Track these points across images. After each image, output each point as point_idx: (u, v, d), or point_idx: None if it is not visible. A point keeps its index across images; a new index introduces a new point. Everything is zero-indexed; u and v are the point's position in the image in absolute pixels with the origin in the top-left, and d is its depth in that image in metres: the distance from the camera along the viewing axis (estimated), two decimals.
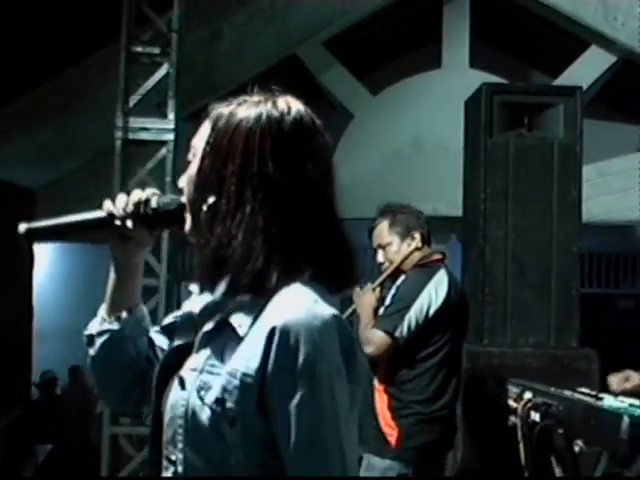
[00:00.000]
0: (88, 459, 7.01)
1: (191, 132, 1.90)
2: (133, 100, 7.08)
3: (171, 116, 7.08)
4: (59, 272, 11.41)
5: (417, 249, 4.62)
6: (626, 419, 3.70)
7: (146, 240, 2.00)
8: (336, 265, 1.84)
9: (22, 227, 1.94)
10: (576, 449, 3.63)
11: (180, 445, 1.79)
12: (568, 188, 5.46)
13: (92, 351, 2.03)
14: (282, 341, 1.69)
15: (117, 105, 7.03)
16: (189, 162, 1.89)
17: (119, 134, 7.01)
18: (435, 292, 4.47)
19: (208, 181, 1.82)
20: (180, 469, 1.79)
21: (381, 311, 4.50)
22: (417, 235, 4.64)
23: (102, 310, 2.05)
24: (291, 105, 1.84)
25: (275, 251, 1.76)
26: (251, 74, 8.32)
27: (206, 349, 1.81)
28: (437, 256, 4.67)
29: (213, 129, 1.84)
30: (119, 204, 1.94)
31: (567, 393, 3.90)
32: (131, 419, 6.89)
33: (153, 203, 1.93)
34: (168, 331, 2.04)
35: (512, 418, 4.09)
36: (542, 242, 5.42)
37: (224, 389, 1.73)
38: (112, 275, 2.03)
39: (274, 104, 1.83)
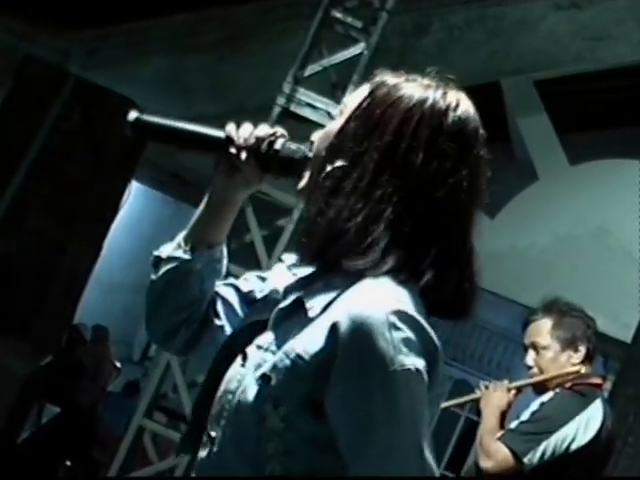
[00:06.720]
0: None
1: None
2: (311, 70, 6.18)
3: None
4: None
5: (577, 365, 4.07)
6: None
7: (254, 180, 1.90)
8: (449, 289, 1.69)
9: (132, 115, 1.85)
10: None
11: (223, 422, 1.74)
12: None
13: (154, 275, 1.95)
14: (343, 335, 1.60)
15: (290, 68, 6.14)
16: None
17: (281, 100, 6.14)
18: (585, 426, 3.98)
19: (345, 145, 1.72)
20: (215, 449, 1.74)
21: (514, 424, 4.03)
22: (582, 348, 4.07)
23: (180, 236, 1.94)
24: (461, 102, 1.72)
25: (393, 246, 1.66)
26: None
27: (277, 328, 1.75)
28: (596, 380, 4.18)
29: (371, 94, 1.74)
30: (242, 132, 1.83)
31: None
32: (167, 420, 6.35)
33: (278, 145, 1.81)
34: (247, 298, 1.93)
35: None
36: None
37: (274, 366, 1.68)
38: (203, 203, 1.92)
39: (444, 94, 1.72)
